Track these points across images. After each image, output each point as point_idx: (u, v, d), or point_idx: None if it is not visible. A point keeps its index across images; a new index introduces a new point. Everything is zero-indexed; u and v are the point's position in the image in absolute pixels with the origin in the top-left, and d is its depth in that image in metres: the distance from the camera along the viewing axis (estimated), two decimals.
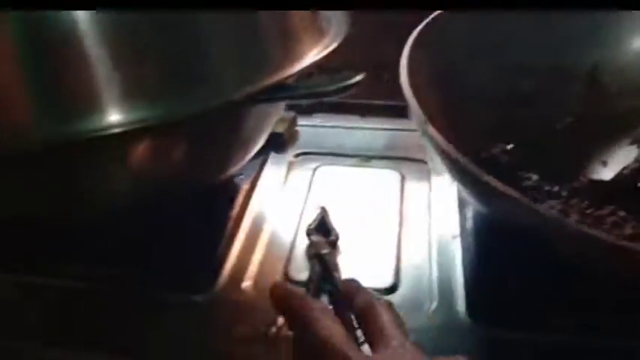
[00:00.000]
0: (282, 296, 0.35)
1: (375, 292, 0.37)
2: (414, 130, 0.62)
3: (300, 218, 0.51)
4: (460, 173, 0.39)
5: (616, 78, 0.54)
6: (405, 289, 0.44)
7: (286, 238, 0.49)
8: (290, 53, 0.39)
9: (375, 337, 0.32)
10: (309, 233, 0.48)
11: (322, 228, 0.49)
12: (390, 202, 0.53)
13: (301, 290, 0.38)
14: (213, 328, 0.42)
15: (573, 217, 0.45)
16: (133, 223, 0.45)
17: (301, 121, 0.63)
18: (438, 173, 0.56)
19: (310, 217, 0.51)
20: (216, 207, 0.50)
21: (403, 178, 0.56)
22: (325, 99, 0.38)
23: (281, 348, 0.40)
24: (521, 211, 0.34)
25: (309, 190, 0.55)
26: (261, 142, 0.47)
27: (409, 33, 0.48)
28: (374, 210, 0.52)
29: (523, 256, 0.43)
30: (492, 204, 0.40)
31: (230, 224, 0.50)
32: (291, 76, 0.37)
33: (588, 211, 0.46)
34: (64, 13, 0.33)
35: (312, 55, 0.39)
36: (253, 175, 0.56)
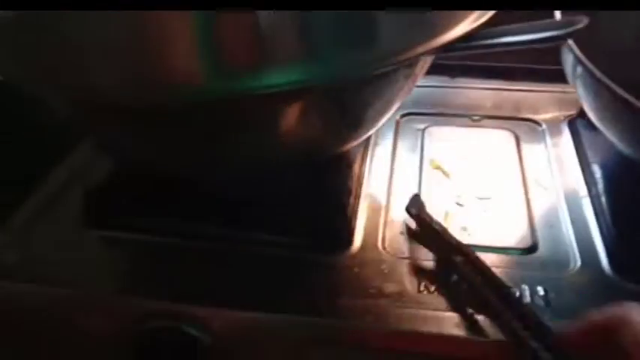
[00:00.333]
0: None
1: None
2: (519, 90, 0.62)
3: (420, 178, 0.50)
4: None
5: None
6: (544, 249, 0.44)
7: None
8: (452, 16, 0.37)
9: None
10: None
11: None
12: (508, 162, 0.52)
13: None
14: (354, 286, 0.42)
15: None
16: (265, 186, 0.45)
17: None
18: (552, 133, 0.55)
19: (430, 175, 0.50)
20: (339, 169, 0.50)
21: (517, 138, 0.55)
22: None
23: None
24: None
25: (422, 151, 0.54)
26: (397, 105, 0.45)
27: None
28: (494, 170, 0.51)
29: None
30: None
31: (353, 185, 0.49)
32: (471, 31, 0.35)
33: None
34: None
35: (473, 18, 0.38)
36: None
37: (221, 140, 0.38)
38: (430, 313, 0.39)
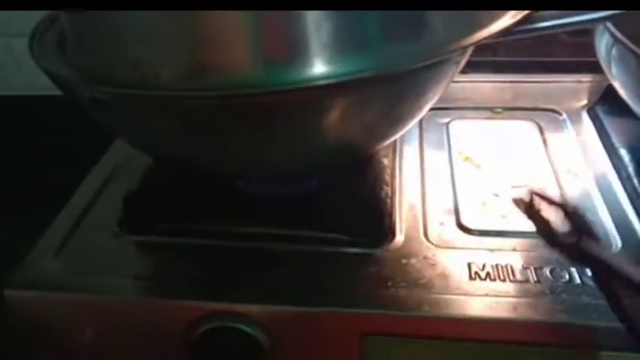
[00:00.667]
0: None
1: None
2: (534, 81, 0.63)
3: (452, 170, 0.51)
4: None
5: None
6: None
7: (445, 190, 0.49)
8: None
9: None
10: None
11: None
12: (535, 151, 0.53)
13: None
14: (404, 278, 0.42)
15: None
16: (307, 184, 0.45)
17: None
18: (573, 121, 0.57)
19: (461, 167, 0.51)
20: (372, 164, 0.50)
21: (540, 127, 0.56)
22: None
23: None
24: None
25: (449, 144, 0.55)
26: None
27: None
28: (522, 160, 0.52)
29: None
30: None
31: (388, 180, 0.49)
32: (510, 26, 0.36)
33: None
34: None
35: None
36: None
37: (269, 139, 0.38)
38: (487, 299, 0.39)
